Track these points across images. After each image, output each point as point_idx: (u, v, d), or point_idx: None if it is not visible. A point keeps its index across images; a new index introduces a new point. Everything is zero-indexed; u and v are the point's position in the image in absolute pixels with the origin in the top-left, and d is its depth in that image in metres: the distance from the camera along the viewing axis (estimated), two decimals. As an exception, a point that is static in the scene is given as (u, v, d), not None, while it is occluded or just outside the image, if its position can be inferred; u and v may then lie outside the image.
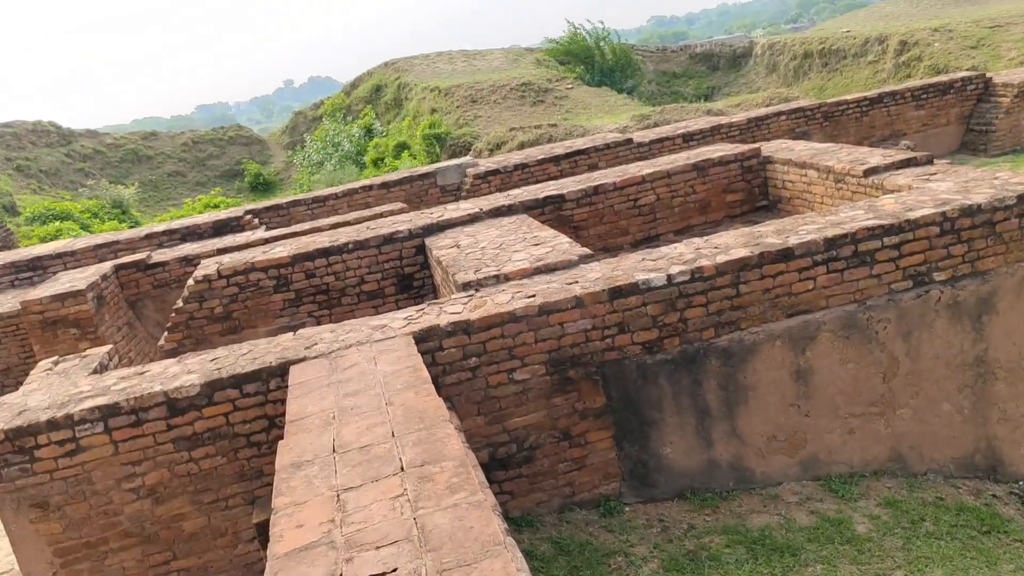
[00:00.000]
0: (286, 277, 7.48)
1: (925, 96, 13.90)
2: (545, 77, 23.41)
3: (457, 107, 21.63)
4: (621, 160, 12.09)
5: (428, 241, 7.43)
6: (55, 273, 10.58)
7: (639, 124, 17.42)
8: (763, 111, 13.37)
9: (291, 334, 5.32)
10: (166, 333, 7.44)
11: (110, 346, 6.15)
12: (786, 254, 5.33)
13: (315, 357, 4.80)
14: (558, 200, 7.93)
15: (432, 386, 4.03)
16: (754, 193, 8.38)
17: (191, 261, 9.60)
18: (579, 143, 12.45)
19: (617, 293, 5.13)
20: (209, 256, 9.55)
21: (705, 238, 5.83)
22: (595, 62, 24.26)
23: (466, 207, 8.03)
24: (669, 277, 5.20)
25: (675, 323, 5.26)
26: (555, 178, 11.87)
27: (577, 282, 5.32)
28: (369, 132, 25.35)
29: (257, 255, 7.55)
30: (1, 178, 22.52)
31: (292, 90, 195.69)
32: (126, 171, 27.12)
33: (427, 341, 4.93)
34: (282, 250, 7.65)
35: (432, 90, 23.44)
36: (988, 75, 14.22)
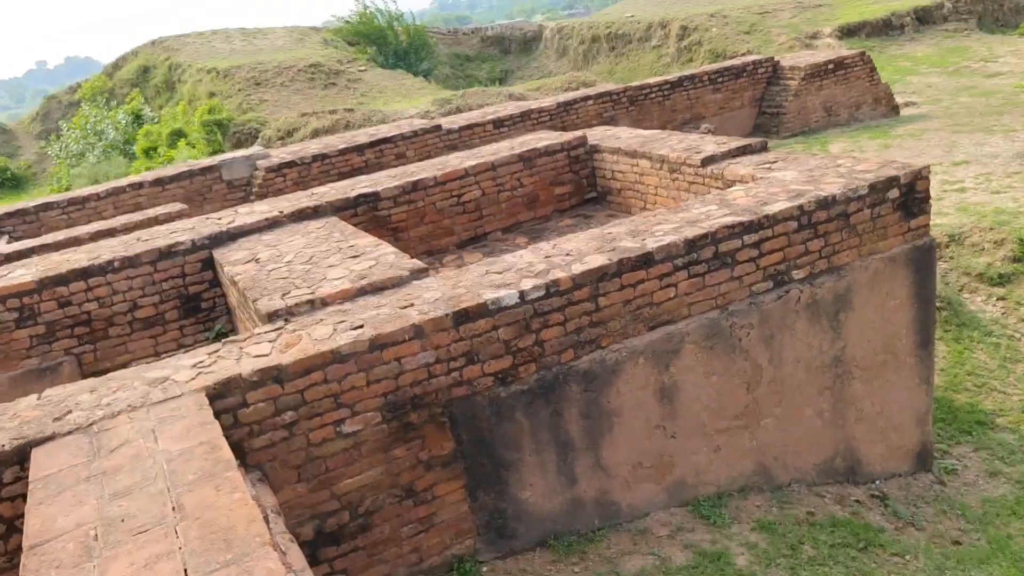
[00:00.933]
0: (32, 308, 5.94)
1: (721, 80, 14.10)
2: (335, 58, 21.90)
3: (239, 90, 19.68)
4: (431, 149, 11.18)
5: (218, 254, 6.17)
6: None
7: (441, 109, 16.56)
8: (570, 95, 12.95)
9: (34, 397, 3.98)
10: None
11: None
12: (647, 259, 4.70)
13: (68, 433, 3.54)
14: (372, 199, 6.91)
15: (238, 474, 2.96)
16: (582, 185, 7.78)
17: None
18: (384, 130, 11.39)
19: (463, 317, 4.26)
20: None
21: (553, 243, 5.09)
22: (388, 43, 23.02)
23: (262, 209, 6.81)
24: (522, 294, 4.40)
25: (530, 347, 4.48)
26: (360, 170, 10.77)
27: (413, 304, 4.39)
28: (138, 119, 22.62)
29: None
30: None
31: (45, 72, 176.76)
32: None
33: (226, 397, 3.81)
34: (25, 272, 6.08)
35: (209, 71, 21.22)
36: (776, 59, 14.68)
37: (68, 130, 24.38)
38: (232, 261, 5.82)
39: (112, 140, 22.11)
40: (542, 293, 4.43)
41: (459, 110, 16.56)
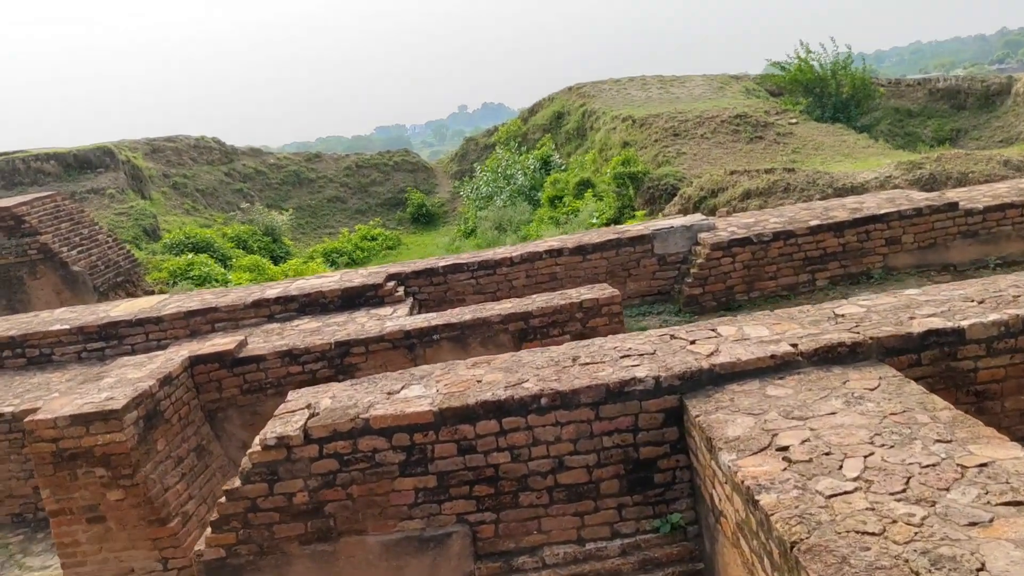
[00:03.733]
0: (425, 449, 4.08)
1: None
2: (762, 109, 19.34)
3: (655, 141, 18.00)
4: (939, 235, 8.02)
5: (694, 407, 3.82)
6: (132, 346, 7.78)
7: (907, 175, 13.11)
8: None
9: None
10: (208, 531, 4.20)
11: None
12: None
13: None
14: (950, 339, 4.08)
15: None
16: None
17: (297, 358, 6.47)
18: (870, 203, 8.47)
19: None
20: (320, 353, 6.38)
21: None
22: (829, 94, 19.87)
23: (757, 334, 4.35)
24: None
25: None
26: (837, 256, 7.97)
27: None
28: (546, 165, 22.14)
29: (378, 404, 4.18)
30: (154, 196, 21.00)
31: (465, 115, 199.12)
32: (285, 194, 25.28)
33: None
34: (423, 395, 4.26)
35: (624, 120, 19.92)
36: None
37: (480, 172, 24.82)
38: (728, 439, 3.40)
39: (519, 185, 21.80)
40: None
41: (934, 178, 12.97)
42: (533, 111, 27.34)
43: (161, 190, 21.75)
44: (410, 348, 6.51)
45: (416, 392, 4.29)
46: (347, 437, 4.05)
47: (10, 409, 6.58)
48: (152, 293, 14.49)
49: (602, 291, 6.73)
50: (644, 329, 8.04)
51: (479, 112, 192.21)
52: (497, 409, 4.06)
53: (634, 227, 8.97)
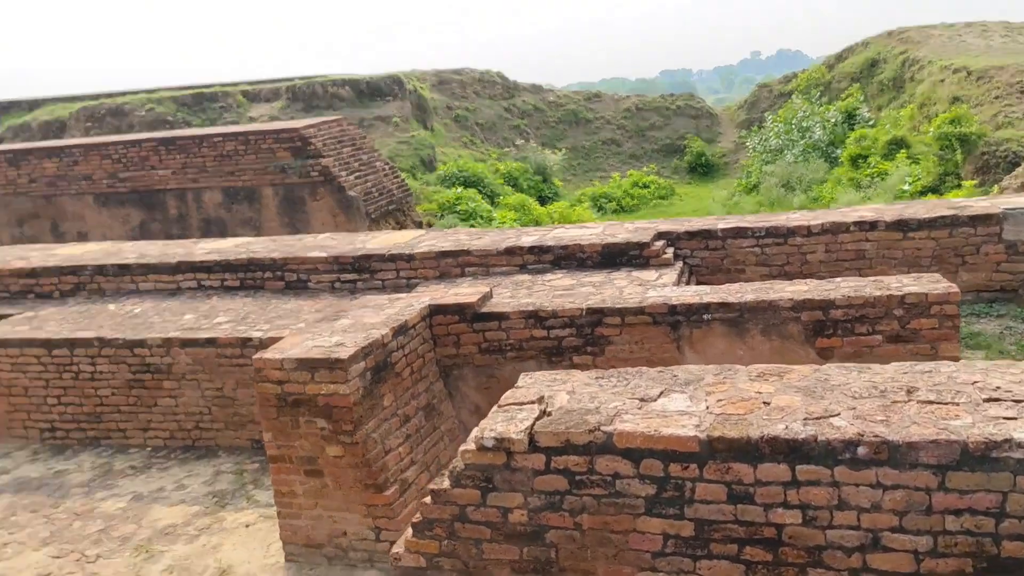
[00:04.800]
0: (682, 485, 3.04)
1: None
2: None
3: (995, 98, 14.98)
4: None
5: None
6: (383, 281, 7.44)
7: None
8: None
9: None
10: (408, 533, 3.49)
11: None
12: None
13: None
14: None
15: None
16: None
17: (542, 321, 5.64)
18: None
19: None
20: (569, 318, 5.50)
21: None
22: None
23: None
24: None
25: None
26: None
27: None
28: (851, 119, 19.53)
29: (627, 415, 3.18)
30: (435, 127, 21.37)
31: (758, 62, 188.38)
32: (561, 133, 24.77)
33: None
34: (686, 413, 3.18)
35: (956, 71, 16.86)
36: None
37: (771, 122, 22.61)
38: None
39: (816, 140, 19.46)
40: None
41: None
42: (841, 57, 24.35)
43: (443, 121, 22.11)
44: (673, 327, 5.43)
45: (678, 405, 3.23)
46: (583, 452, 3.11)
47: (259, 334, 6.43)
48: (420, 224, 14.58)
49: (933, 284, 5.16)
50: (978, 336, 6.31)
51: (772, 59, 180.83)
52: (791, 451, 2.90)
53: (976, 202, 7.07)
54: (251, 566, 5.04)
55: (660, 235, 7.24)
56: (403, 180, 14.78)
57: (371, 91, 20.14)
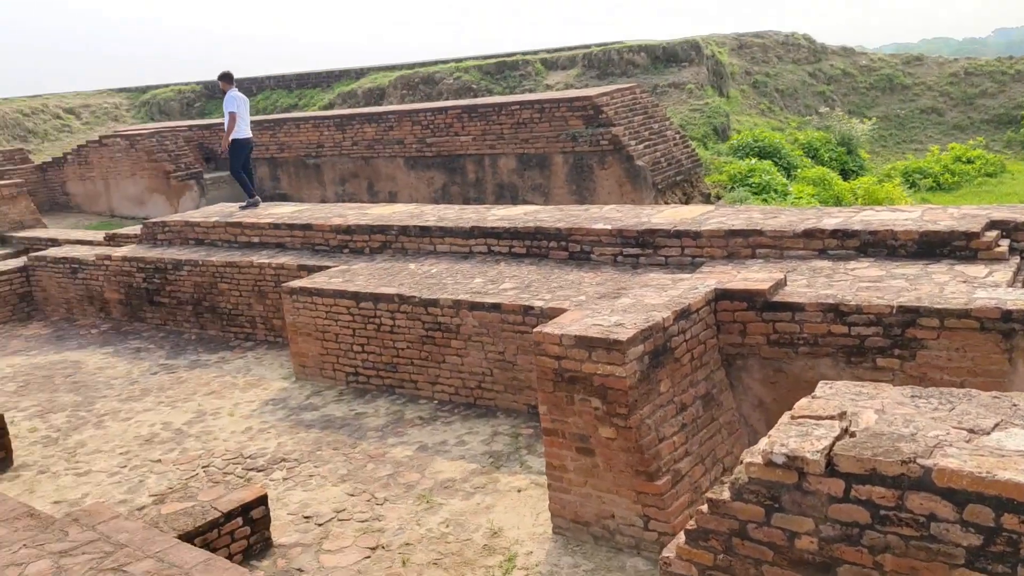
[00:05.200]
0: (1018, 540, 2.52)
1: None
2: None
3: None
4: None
5: None
6: (667, 257, 7.20)
7: None
8: None
9: None
10: (681, 539, 3.28)
11: None
12: None
13: None
14: None
15: None
16: None
17: (843, 316, 5.09)
18: None
19: None
20: (876, 316, 4.92)
21: None
22: None
23: None
24: None
25: None
26: None
27: None
28: None
29: (950, 448, 2.71)
30: (731, 93, 20.43)
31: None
32: (871, 101, 22.58)
33: None
34: (1030, 452, 2.64)
35: None
36: None
37: None
38: None
39: None
40: None
41: None
42: None
43: (740, 88, 21.09)
44: (1007, 336, 4.64)
45: (1020, 443, 2.69)
46: (892, 485, 2.70)
47: (540, 304, 6.52)
48: (707, 196, 14.05)
49: None
50: None
51: None
52: None
53: None
54: (520, 532, 5.13)
55: (993, 224, 6.25)
56: (693, 150, 14.30)
57: (667, 57, 19.70)
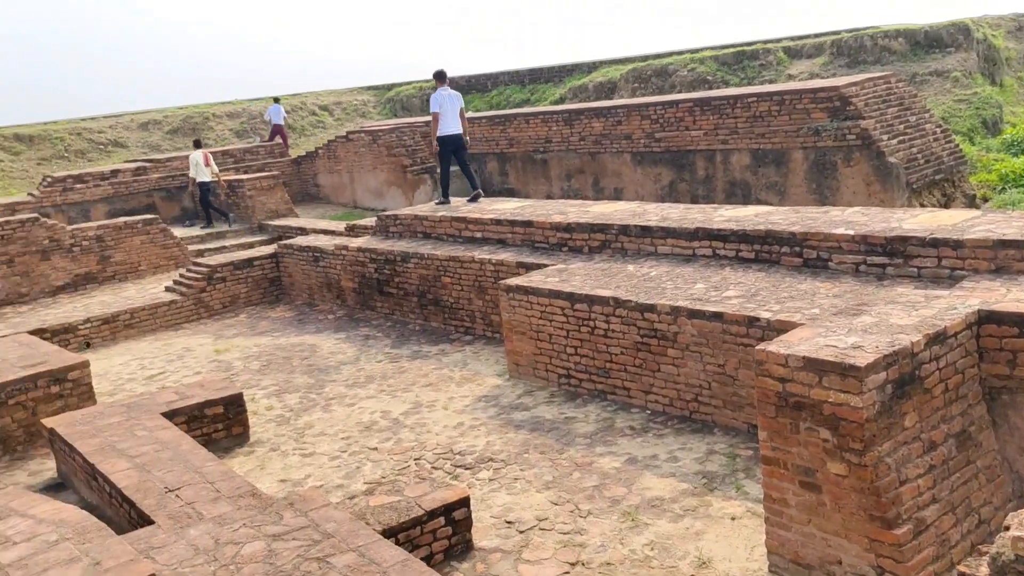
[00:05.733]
0: None
1: None
2: None
3: None
4: None
5: None
6: (919, 269, 6.35)
7: None
8: None
9: None
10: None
11: None
12: None
13: None
14: None
15: None
16: None
17: None
18: None
19: None
20: None
21: None
22: None
23: None
24: None
25: None
26: None
27: None
28: None
29: None
30: (1005, 82, 18.02)
31: None
32: None
33: None
34: None
35: None
36: None
37: None
38: None
39: None
40: None
41: None
42: None
43: (1017, 75, 18.58)
44: None
45: None
46: None
47: (767, 315, 5.98)
48: (971, 197, 12.45)
49: None
50: None
51: None
52: None
53: None
54: (731, 565, 4.71)
55: None
56: (956, 145, 12.72)
57: (929, 42, 17.73)
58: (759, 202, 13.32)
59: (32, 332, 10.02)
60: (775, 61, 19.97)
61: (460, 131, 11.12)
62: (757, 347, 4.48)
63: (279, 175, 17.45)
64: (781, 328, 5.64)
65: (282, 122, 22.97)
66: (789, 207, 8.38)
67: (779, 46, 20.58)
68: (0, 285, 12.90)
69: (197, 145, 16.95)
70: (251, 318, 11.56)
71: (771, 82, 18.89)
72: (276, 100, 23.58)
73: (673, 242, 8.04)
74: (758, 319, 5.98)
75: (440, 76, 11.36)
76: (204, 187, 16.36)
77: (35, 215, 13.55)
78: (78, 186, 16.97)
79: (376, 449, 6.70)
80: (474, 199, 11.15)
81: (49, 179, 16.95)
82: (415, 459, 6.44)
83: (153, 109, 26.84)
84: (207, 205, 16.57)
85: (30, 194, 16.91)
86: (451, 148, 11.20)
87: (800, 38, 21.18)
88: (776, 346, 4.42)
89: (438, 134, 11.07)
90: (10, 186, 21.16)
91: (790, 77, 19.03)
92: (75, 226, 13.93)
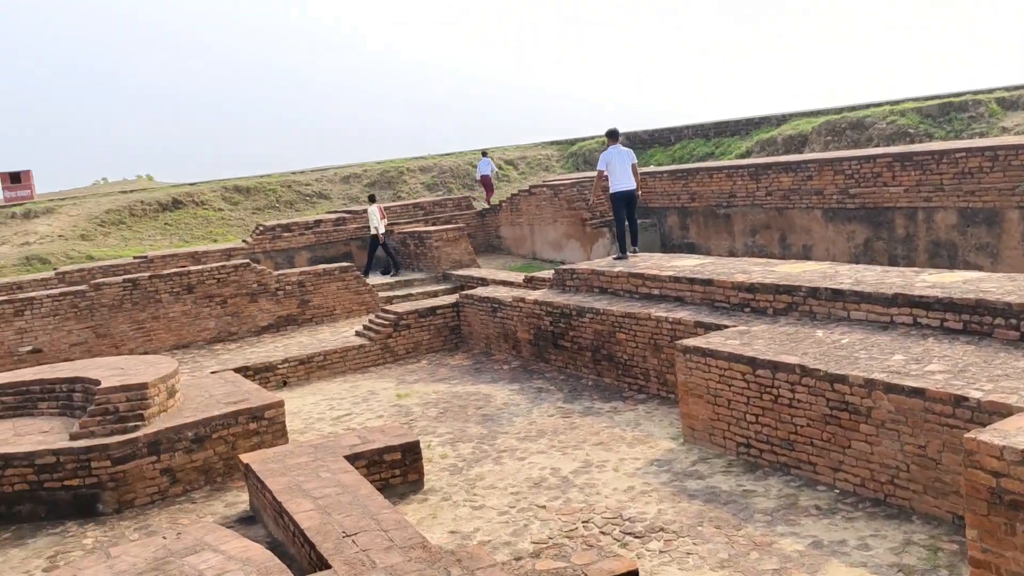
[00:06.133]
0: None
1: None
2: None
3: None
4: None
5: None
6: None
7: None
8: None
9: None
10: None
11: None
12: None
13: None
14: None
15: None
16: None
17: None
18: None
19: None
20: None
21: None
22: None
23: None
24: None
25: None
26: None
27: None
28: None
29: None
30: None
31: None
32: None
33: None
34: None
35: None
36: None
37: None
38: None
39: None
40: None
41: None
42: None
43: None
44: None
45: None
46: None
47: (977, 395, 5.40)
48: None
49: None
50: None
51: None
52: None
53: None
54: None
55: None
56: None
57: None
58: (967, 264, 12.23)
59: (237, 369, 10.87)
60: (987, 113, 18.47)
61: (632, 187, 11.33)
62: (967, 435, 4.04)
63: (464, 227, 18.09)
64: (994, 410, 5.07)
65: (490, 173, 23.96)
66: (1004, 274, 7.62)
67: (991, 96, 19.04)
68: (214, 324, 14.15)
69: (372, 200, 18.11)
70: (431, 364, 11.93)
71: (982, 135, 17.47)
72: (484, 153, 24.81)
73: (868, 307, 7.50)
74: (967, 399, 5.41)
75: (612, 135, 11.54)
76: (375, 238, 17.45)
77: (247, 260, 14.81)
78: (285, 234, 18.41)
79: (544, 507, 6.63)
80: (626, 254, 11.28)
81: (261, 227, 18.50)
82: (583, 521, 6.30)
83: (355, 163, 28.80)
84: (388, 251, 17.60)
85: (244, 241, 18.52)
86: (620, 203, 11.38)
87: (1016, 88, 19.50)
88: (989, 435, 3.96)
89: (611, 190, 11.38)
90: (228, 232, 23.27)
91: (1004, 130, 17.51)
92: (280, 271, 15.09)
